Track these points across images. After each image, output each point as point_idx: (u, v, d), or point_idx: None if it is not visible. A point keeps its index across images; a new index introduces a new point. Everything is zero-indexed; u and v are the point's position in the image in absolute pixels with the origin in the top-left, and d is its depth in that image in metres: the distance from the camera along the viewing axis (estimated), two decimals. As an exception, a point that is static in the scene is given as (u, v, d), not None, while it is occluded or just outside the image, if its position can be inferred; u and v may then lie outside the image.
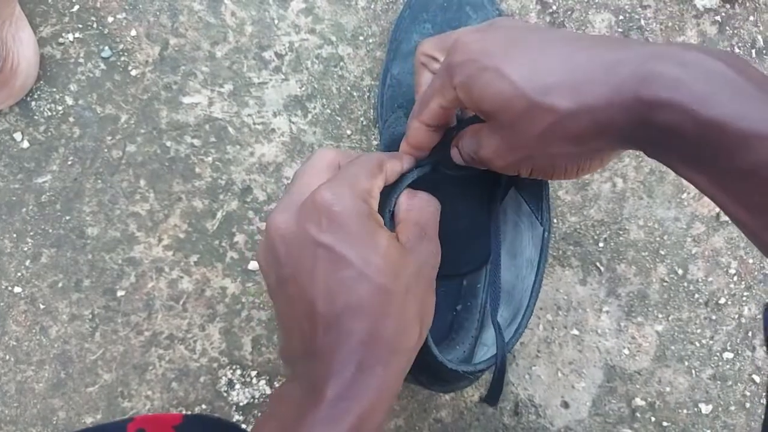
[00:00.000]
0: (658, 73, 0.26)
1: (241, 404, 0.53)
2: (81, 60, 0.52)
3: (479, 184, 0.47)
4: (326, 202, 0.29)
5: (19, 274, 0.53)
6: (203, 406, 0.53)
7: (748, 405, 0.55)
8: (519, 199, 0.43)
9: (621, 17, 0.53)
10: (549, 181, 0.53)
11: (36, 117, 0.52)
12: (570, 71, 0.28)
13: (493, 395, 0.38)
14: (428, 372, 0.39)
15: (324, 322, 0.28)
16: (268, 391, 0.53)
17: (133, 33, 0.52)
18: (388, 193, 0.38)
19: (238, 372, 0.53)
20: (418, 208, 0.35)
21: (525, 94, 0.28)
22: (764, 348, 0.55)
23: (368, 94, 0.53)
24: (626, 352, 0.54)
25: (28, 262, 0.53)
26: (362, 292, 0.28)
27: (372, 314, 0.28)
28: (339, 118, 0.53)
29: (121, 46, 0.52)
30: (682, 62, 0.26)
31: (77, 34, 0.52)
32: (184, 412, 0.51)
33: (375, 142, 0.53)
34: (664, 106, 0.26)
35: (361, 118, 0.53)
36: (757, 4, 0.53)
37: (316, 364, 0.28)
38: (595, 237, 0.54)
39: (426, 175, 0.39)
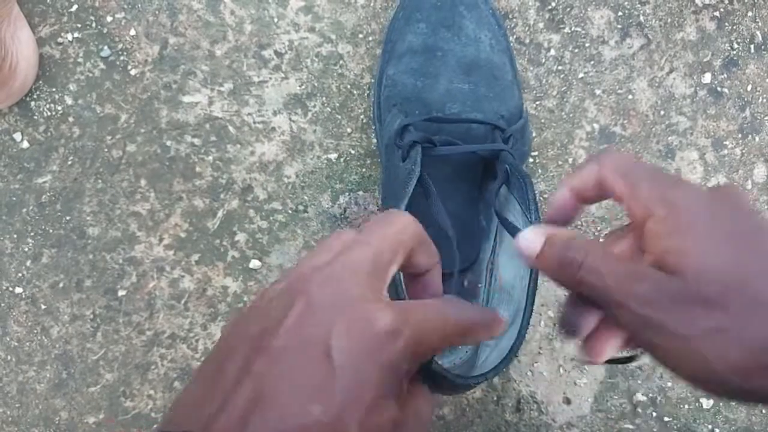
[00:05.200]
0: None
1: (243, 403, 0.53)
2: (80, 60, 0.52)
3: (467, 183, 0.47)
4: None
5: (19, 274, 0.53)
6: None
7: (748, 400, 0.55)
8: (511, 200, 0.44)
9: (620, 13, 0.53)
10: (545, 179, 0.53)
11: (35, 117, 0.52)
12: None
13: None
14: (435, 382, 0.39)
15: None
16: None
17: (132, 32, 0.52)
18: None
19: (240, 371, 0.53)
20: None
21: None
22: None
23: (368, 92, 0.53)
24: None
25: (28, 263, 0.53)
26: None
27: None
28: (339, 117, 0.53)
29: (120, 46, 0.52)
30: None
31: (76, 34, 0.52)
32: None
33: (375, 140, 0.53)
34: None
35: (361, 116, 0.53)
36: (755, 0, 0.53)
37: None
38: (596, 234, 0.54)
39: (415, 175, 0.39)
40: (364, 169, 0.53)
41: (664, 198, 0.28)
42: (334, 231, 0.29)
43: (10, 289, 0.53)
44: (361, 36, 0.53)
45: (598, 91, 0.53)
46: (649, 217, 0.28)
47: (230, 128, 0.53)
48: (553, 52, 0.53)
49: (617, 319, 0.27)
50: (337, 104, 0.53)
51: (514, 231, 0.39)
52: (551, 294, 0.54)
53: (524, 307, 0.40)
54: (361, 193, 0.53)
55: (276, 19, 0.53)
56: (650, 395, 0.54)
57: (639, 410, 0.54)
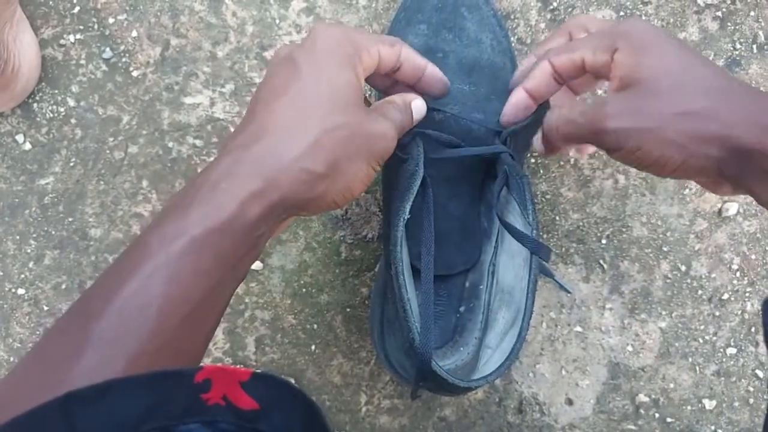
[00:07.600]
0: None
1: (245, 404, 0.53)
2: (82, 61, 0.52)
3: (468, 184, 0.47)
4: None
5: (22, 276, 0.53)
6: (207, 407, 0.53)
7: (751, 401, 0.55)
8: (510, 200, 0.44)
9: (622, 13, 0.53)
10: (547, 180, 0.53)
11: (38, 119, 0.52)
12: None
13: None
14: (437, 384, 0.39)
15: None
16: (272, 390, 0.53)
17: (134, 34, 0.52)
18: (401, 198, 0.38)
19: (242, 372, 0.53)
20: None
21: (692, 76, 0.32)
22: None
23: (370, 92, 0.53)
24: (630, 349, 0.54)
25: (31, 264, 0.53)
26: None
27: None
28: (341, 118, 0.53)
29: (122, 47, 0.52)
30: None
31: (78, 36, 0.52)
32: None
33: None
34: None
35: (363, 117, 0.53)
36: (758, 0, 0.53)
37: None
38: (598, 234, 0.54)
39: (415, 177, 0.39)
40: (365, 170, 0.53)
41: (620, 32, 0.34)
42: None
43: (13, 290, 0.53)
44: (362, 37, 0.53)
45: (600, 92, 0.53)
46: (615, 51, 0.33)
47: (232, 129, 0.53)
48: (554, 52, 0.53)
49: (601, 146, 0.34)
50: (339, 105, 0.53)
51: (515, 233, 0.39)
52: (553, 295, 0.54)
53: (524, 308, 0.40)
54: (362, 194, 0.53)
55: (278, 21, 0.53)
56: (653, 396, 0.54)
57: (641, 411, 0.54)
